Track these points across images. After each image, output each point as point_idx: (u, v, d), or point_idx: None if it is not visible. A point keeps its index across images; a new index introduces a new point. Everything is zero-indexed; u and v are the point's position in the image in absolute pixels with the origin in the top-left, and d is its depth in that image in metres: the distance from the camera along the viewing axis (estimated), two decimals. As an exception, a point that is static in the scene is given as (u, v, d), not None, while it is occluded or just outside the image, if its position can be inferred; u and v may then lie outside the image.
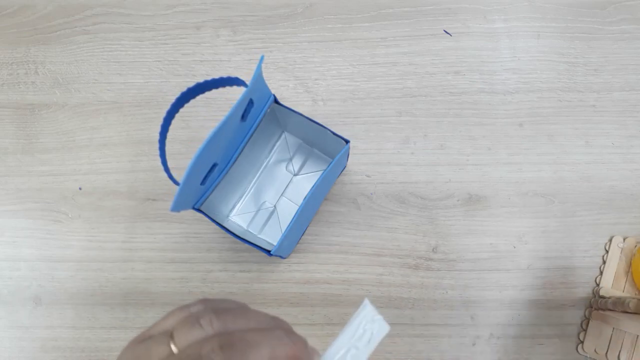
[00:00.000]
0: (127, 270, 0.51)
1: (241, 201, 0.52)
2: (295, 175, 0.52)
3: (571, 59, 0.57)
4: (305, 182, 0.52)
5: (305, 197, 0.41)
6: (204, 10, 0.59)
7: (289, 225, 0.41)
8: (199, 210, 0.41)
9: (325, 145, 0.49)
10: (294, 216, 0.41)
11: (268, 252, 0.41)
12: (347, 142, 0.43)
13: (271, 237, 0.51)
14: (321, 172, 0.52)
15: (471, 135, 0.55)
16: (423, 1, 0.59)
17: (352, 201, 0.53)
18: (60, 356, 0.50)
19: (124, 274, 0.51)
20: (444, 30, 0.58)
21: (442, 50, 0.57)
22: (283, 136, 0.53)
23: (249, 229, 0.51)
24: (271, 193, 0.52)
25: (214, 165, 0.39)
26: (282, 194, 0.52)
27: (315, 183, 0.41)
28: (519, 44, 0.57)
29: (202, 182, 0.38)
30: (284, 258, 0.51)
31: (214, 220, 0.41)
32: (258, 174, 0.52)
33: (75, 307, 0.51)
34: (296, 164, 0.53)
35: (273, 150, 0.53)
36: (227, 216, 0.51)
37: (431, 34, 0.58)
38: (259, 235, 0.51)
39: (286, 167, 0.52)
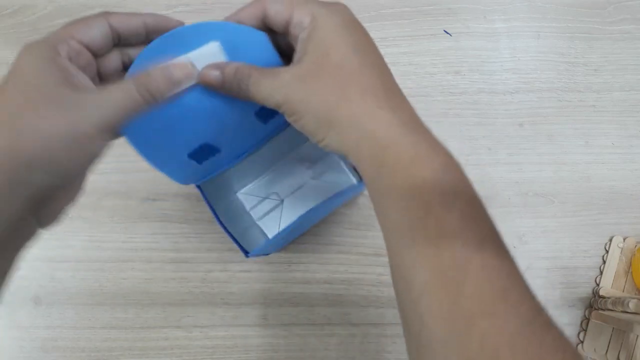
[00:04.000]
0: (127, 270, 0.51)
1: (253, 183, 0.51)
2: (312, 178, 0.51)
3: (571, 59, 0.57)
4: (319, 188, 0.51)
5: (301, 215, 0.40)
6: (204, 10, 0.59)
7: (278, 233, 0.41)
8: (199, 187, 0.40)
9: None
10: (287, 228, 0.41)
11: (246, 252, 0.40)
12: (360, 181, 0.43)
13: (268, 227, 0.50)
14: (336, 184, 0.51)
15: (471, 135, 0.55)
16: (423, 1, 0.59)
17: (352, 201, 0.53)
18: (60, 356, 0.50)
19: (124, 274, 0.51)
20: (444, 30, 0.58)
21: (442, 50, 0.57)
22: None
23: (251, 212, 0.50)
24: (284, 186, 0.51)
25: (211, 148, 0.37)
26: (293, 192, 0.51)
27: (314, 208, 0.41)
28: (519, 44, 0.57)
29: (200, 162, 0.37)
30: (266, 255, 0.51)
31: (208, 203, 0.40)
32: (279, 162, 0.51)
33: (75, 307, 0.51)
34: (318, 168, 0.51)
35: (301, 148, 0.51)
36: (236, 192, 0.51)
37: (431, 34, 0.58)
38: (257, 222, 0.50)
39: (307, 167, 0.52)
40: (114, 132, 0.27)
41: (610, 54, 0.57)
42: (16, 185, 0.24)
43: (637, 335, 0.47)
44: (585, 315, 0.50)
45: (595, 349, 0.48)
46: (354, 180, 0.50)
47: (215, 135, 0.36)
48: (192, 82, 0.29)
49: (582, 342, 0.49)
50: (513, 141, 0.54)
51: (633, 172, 0.54)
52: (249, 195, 0.51)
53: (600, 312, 0.48)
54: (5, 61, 0.57)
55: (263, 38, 0.30)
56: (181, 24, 0.29)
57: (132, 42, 0.28)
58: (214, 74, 0.28)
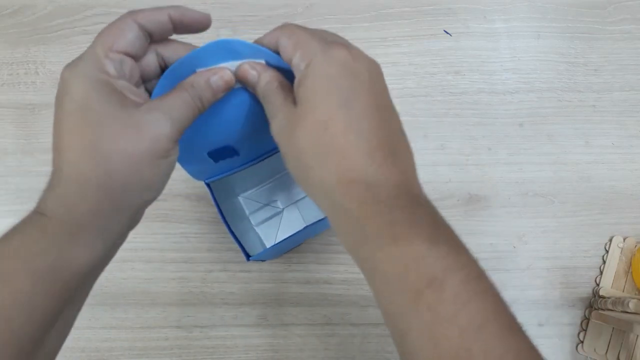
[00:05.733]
0: (127, 270, 0.51)
1: (256, 188, 0.51)
2: None
3: (571, 59, 0.57)
4: None
5: (300, 230, 0.40)
6: (203, 10, 0.59)
7: (276, 243, 0.41)
8: (208, 185, 0.40)
9: None
10: (285, 239, 0.41)
11: (248, 256, 0.40)
12: None
13: (266, 234, 0.50)
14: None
15: (471, 135, 0.55)
16: (423, 1, 0.59)
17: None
18: (60, 356, 0.50)
19: (124, 274, 0.51)
20: (444, 30, 0.58)
21: (442, 50, 0.57)
22: None
23: (250, 217, 0.51)
24: (286, 196, 0.51)
25: (231, 150, 0.37)
26: (294, 202, 0.51)
27: (313, 224, 0.40)
28: (519, 44, 0.57)
29: (216, 161, 0.37)
30: (264, 261, 0.51)
31: (216, 203, 0.40)
32: (283, 172, 0.51)
33: (75, 307, 0.51)
34: None
35: None
36: (238, 195, 0.51)
37: (431, 34, 0.58)
38: (255, 227, 0.50)
39: None
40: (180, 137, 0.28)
41: (610, 54, 0.57)
42: (117, 211, 0.25)
43: (637, 335, 0.46)
44: (585, 315, 0.50)
45: (595, 349, 0.48)
46: None
47: (239, 139, 0.36)
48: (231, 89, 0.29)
49: (582, 342, 0.49)
50: (513, 141, 0.54)
51: (633, 172, 0.54)
52: (250, 200, 0.51)
53: (600, 312, 0.48)
54: (5, 61, 0.58)
55: None
56: (206, 15, 0.29)
57: (161, 36, 0.28)
58: (252, 74, 0.28)
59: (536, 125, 0.55)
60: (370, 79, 0.26)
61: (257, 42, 0.29)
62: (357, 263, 0.25)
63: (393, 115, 0.27)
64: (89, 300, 0.50)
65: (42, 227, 0.24)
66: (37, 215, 0.25)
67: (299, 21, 0.59)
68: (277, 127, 0.27)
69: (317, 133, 0.25)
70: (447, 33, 0.58)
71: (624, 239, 0.51)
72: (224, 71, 0.28)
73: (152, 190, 0.27)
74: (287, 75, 0.29)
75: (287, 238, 0.41)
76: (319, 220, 0.41)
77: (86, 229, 0.24)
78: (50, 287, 0.23)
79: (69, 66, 0.26)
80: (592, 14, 0.58)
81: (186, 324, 0.50)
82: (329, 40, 0.27)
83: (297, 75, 0.26)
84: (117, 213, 0.25)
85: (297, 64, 0.26)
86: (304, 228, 0.41)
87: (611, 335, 0.48)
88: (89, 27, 0.58)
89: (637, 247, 0.51)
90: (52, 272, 0.23)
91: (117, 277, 0.51)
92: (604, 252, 0.52)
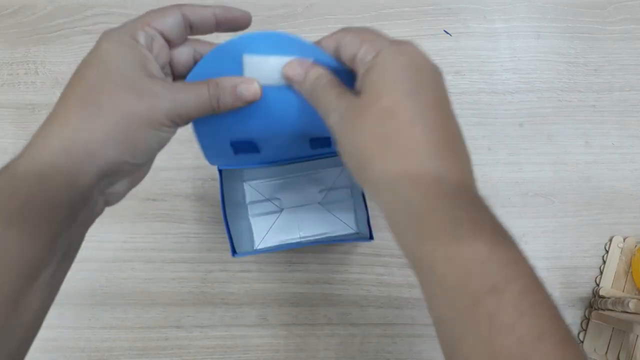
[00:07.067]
0: (127, 270, 0.51)
1: (264, 180, 0.51)
2: (319, 203, 0.51)
3: (571, 59, 0.57)
4: (320, 215, 0.50)
5: (292, 242, 0.41)
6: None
7: (266, 248, 0.41)
8: (220, 172, 0.41)
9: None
10: (274, 247, 0.41)
11: (234, 252, 0.41)
12: (370, 239, 0.43)
13: (257, 228, 0.50)
14: (338, 220, 0.51)
15: (471, 135, 0.55)
16: (423, 1, 0.59)
17: (352, 201, 0.53)
18: (60, 356, 0.50)
19: (124, 274, 0.51)
20: (444, 31, 0.58)
21: (442, 50, 0.57)
22: (343, 172, 0.51)
23: (248, 206, 0.51)
24: (290, 197, 0.51)
25: (253, 145, 0.37)
26: (295, 207, 0.51)
27: (307, 240, 0.40)
28: (519, 44, 0.57)
29: (236, 152, 0.37)
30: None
31: (221, 191, 0.40)
32: (296, 174, 0.51)
33: (75, 307, 0.51)
34: (330, 196, 0.51)
35: (325, 170, 0.51)
36: (244, 180, 0.51)
37: (431, 34, 0.58)
38: (250, 218, 0.51)
39: (319, 191, 0.51)
40: (182, 124, 0.28)
41: (610, 54, 0.57)
42: (91, 157, 0.25)
43: (637, 335, 0.46)
44: (585, 315, 0.50)
45: (595, 349, 0.48)
46: (353, 230, 0.50)
47: (264, 138, 0.36)
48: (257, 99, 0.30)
49: (582, 342, 0.49)
50: (513, 141, 0.54)
51: (633, 172, 0.54)
52: (254, 190, 0.51)
53: (600, 312, 0.48)
54: (5, 61, 0.58)
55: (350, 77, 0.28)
56: (247, 13, 0.30)
57: (203, 31, 0.29)
58: (299, 72, 0.28)
59: (536, 125, 0.55)
60: (435, 76, 0.26)
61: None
62: (410, 262, 0.25)
63: (453, 115, 0.27)
64: (89, 300, 0.51)
65: (12, 169, 0.25)
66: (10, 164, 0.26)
67: (299, 21, 0.59)
68: (336, 118, 0.27)
69: (382, 121, 0.24)
70: (447, 33, 0.58)
71: (624, 239, 0.51)
72: (253, 84, 0.28)
73: (131, 155, 0.27)
74: (338, 75, 0.28)
75: (280, 245, 0.41)
76: (312, 240, 0.41)
77: (57, 168, 0.25)
78: (22, 231, 0.23)
79: (106, 31, 0.27)
80: (592, 14, 0.58)
81: (186, 324, 0.50)
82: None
83: (362, 67, 0.26)
84: (87, 160, 0.25)
85: (363, 56, 0.26)
86: (300, 242, 0.41)
87: (611, 335, 0.48)
88: (89, 27, 0.58)
89: (637, 247, 0.51)
90: (23, 214, 0.24)
91: (117, 277, 0.51)
92: (604, 252, 0.52)
